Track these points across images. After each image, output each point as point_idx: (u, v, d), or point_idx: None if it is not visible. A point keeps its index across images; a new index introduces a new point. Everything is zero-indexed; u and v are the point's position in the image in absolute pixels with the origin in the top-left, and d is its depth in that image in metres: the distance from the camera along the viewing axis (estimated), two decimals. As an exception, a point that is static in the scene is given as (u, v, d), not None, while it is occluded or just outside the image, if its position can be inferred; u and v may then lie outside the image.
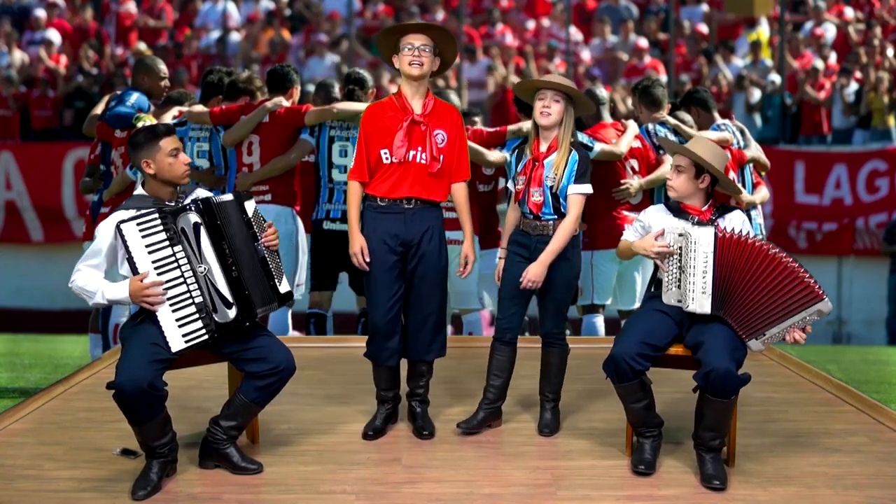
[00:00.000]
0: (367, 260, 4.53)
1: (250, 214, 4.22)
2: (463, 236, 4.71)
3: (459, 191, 4.66)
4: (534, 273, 4.55)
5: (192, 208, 4.09)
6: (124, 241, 3.94)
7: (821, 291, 4.01)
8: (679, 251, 4.18)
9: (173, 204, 4.11)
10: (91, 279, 4.03)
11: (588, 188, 4.58)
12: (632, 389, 4.18)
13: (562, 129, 4.56)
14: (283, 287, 4.29)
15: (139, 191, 4.19)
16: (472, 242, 4.71)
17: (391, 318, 4.57)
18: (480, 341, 6.20)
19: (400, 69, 4.56)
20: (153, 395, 3.88)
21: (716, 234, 4.13)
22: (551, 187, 4.54)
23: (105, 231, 4.04)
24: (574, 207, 4.56)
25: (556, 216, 4.58)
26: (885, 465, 4.33)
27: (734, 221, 4.29)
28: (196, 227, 4.06)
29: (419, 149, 4.51)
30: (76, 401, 5.19)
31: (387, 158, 4.52)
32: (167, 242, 4.00)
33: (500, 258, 4.78)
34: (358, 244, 4.55)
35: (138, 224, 3.96)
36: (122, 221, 3.96)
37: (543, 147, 4.59)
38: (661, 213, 4.41)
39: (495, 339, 4.72)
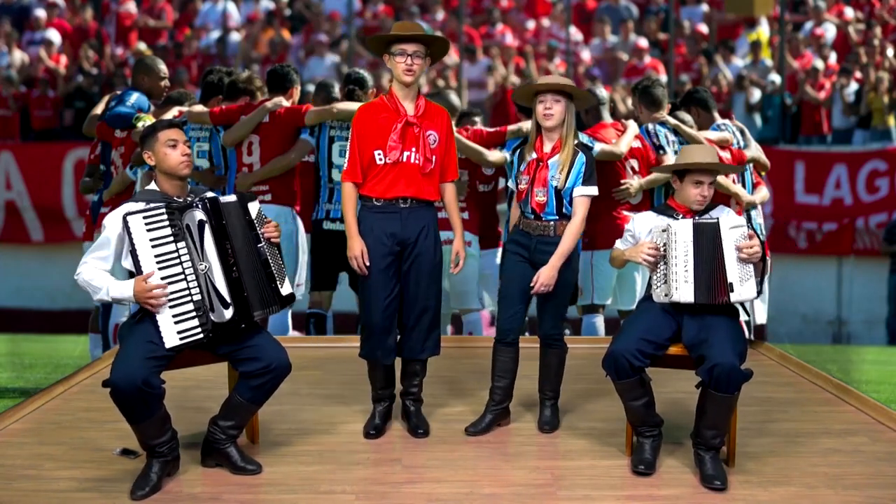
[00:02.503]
0: (367, 264, 4.53)
1: (253, 215, 4.22)
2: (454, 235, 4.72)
3: (449, 190, 4.69)
4: (545, 276, 4.54)
5: (199, 206, 4.10)
6: (129, 234, 3.96)
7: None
8: (664, 246, 4.26)
9: (181, 200, 4.12)
10: (97, 274, 4.03)
11: (594, 190, 4.58)
12: (631, 386, 4.19)
13: (564, 128, 4.56)
14: (286, 289, 4.28)
15: (151, 186, 4.21)
16: (463, 239, 4.72)
17: (388, 316, 4.58)
18: (480, 341, 6.21)
19: (392, 71, 4.57)
20: (148, 393, 3.87)
21: (694, 225, 4.22)
22: (556, 188, 4.54)
23: (112, 222, 4.05)
24: (581, 209, 4.56)
25: (557, 217, 4.57)
26: (885, 465, 4.33)
27: (715, 212, 4.34)
28: (201, 224, 4.08)
29: (413, 149, 4.52)
30: (76, 401, 5.18)
31: (380, 159, 4.52)
32: (171, 238, 4.01)
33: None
34: (358, 247, 4.53)
35: (144, 217, 3.98)
36: (129, 213, 3.98)
37: (548, 147, 4.59)
38: (646, 216, 4.47)
39: (498, 341, 4.71)
